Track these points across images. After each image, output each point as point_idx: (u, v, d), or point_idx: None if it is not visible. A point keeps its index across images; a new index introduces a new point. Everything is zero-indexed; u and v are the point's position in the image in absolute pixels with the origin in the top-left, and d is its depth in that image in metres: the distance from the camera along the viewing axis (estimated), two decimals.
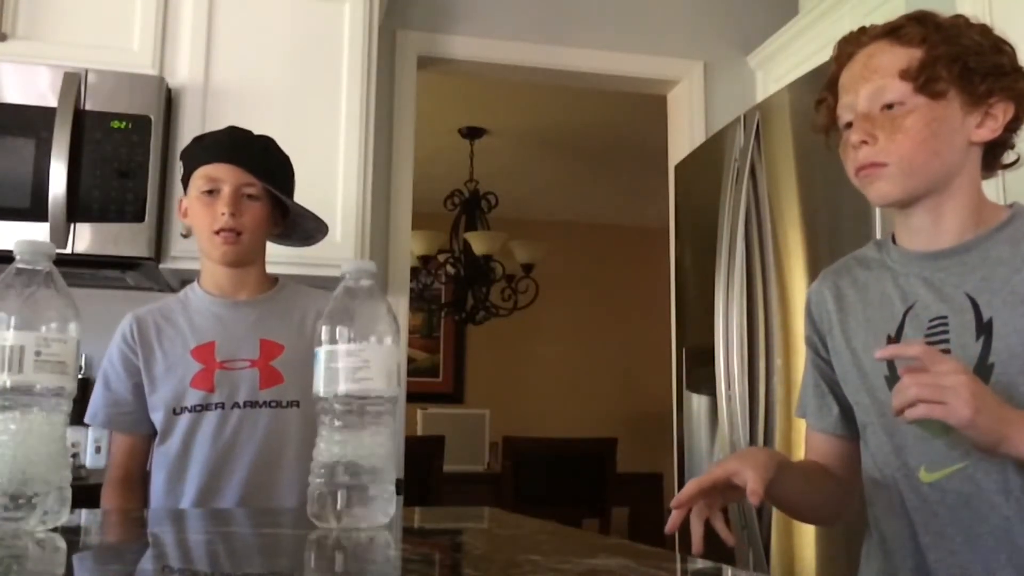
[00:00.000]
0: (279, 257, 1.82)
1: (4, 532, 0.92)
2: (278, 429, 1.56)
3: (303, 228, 1.73)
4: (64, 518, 0.97)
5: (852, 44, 1.20)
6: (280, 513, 1.38)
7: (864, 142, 1.15)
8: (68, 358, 0.98)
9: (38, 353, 0.95)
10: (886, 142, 1.13)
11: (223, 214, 1.56)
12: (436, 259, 4.88)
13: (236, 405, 1.55)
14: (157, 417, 1.58)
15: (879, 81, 1.14)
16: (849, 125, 1.18)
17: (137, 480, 1.64)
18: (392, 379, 1.05)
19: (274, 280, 1.70)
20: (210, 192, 1.58)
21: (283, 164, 1.68)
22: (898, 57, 1.14)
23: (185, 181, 1.65)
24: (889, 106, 1.14)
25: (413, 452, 3.26)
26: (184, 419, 1.56)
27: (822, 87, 1.26)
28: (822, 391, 1.31)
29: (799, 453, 2.13)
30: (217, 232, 1.57)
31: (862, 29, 1.21)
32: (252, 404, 1.55)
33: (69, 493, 0.98)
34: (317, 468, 1.03)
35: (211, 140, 1.66)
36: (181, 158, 1.69)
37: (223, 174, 1.58)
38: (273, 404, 1.56)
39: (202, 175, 1.59)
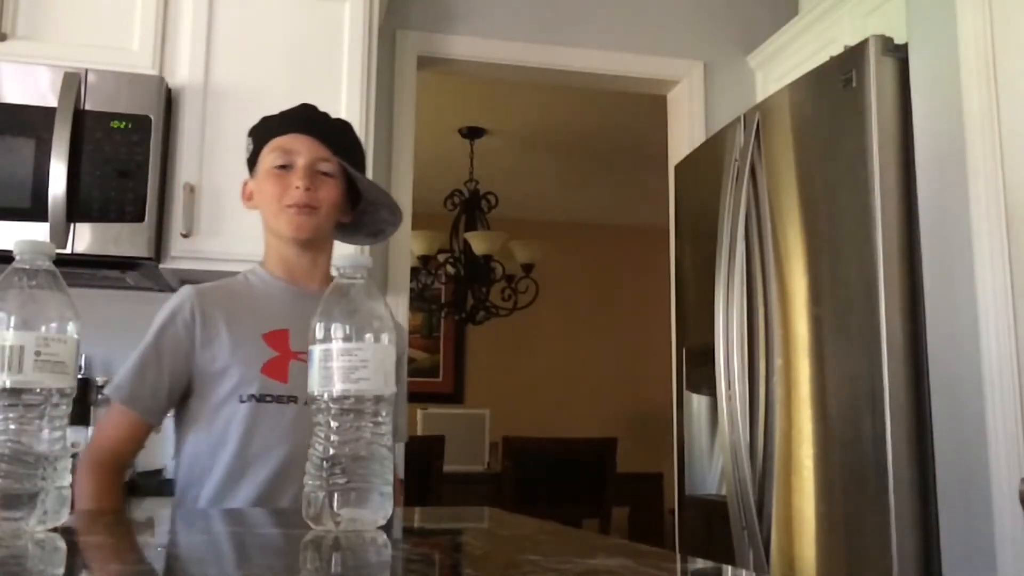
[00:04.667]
0: None
1: (4, 532, 0.92)
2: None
3: (374, 219, 1.60)
4: (64, 518, 0.97)
5: None
6: (279, 514, 1.38)
7: None
8: (68, 358, 0.98)
9: (38, 353, 0.95)
10: None
11: (297, 188, 1.45)
12: (436, 259, 4.89)
13: (303, 401, 1.39)
14: (210, 403, 1.44)
15: None
16: None
17: (120, 472, 1.49)
18: (390, 378, 1.04)
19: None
20: (283, 167, 1.48)
21: (359, 145, 1.59)
22: None
23: (253, 161, 1.55)
24: None
25: (413, 452, 3.26)
26: (246, 408, 1.42)
27: None
28: None
29: (800, 453, 2.13)
30: (289, 207, 1.46)
31: None
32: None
33: (69, 493, 0.98)
34: (312, 469, 1.01)
35: (286, 113, 1.56)
36: (250, 135, 1.58)
37: (299, 145, 1.48)
38: None
39: (275, 147, 1.49)
